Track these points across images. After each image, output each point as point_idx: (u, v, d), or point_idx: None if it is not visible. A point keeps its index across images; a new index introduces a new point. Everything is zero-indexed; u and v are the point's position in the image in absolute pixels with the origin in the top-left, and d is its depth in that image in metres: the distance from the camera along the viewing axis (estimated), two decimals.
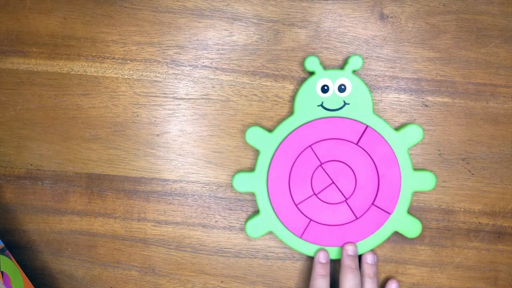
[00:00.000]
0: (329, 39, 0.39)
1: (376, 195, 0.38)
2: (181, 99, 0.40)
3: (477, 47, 0.39)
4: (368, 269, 0.37)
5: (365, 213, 0.38)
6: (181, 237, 0.40)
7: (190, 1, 0.39)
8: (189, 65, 0.39)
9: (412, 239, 0.40)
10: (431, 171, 0.39)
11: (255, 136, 0.38)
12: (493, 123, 0.39)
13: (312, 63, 0.37)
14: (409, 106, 0.39)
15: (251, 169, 0.39)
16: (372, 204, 0.38)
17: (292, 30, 0.39)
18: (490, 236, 0.40)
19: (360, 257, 0.38)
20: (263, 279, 0.40)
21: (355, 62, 0.37)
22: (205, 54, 0.39)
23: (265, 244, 0.40)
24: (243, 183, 0.38)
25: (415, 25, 0.39)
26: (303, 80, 0.39)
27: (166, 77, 0.39)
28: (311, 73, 0.38)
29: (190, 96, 0.40)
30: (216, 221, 0.40)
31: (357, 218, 0.38)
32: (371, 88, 0.39)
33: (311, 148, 0.38)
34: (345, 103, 0.37)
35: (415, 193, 0.40)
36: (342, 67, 0.39)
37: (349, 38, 0.39)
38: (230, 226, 0.40)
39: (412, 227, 0.38)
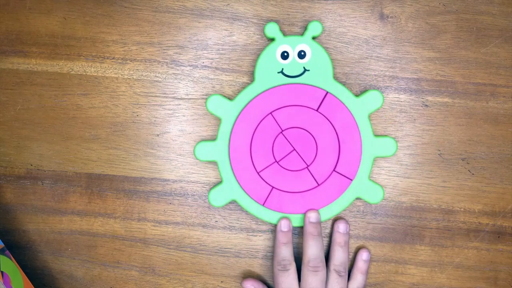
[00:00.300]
0: (329, 39, 0.39)
1: (337, 161, 0.38)
2: (181, 99, 0.40)
3: (477, 47, 0.39)
4: (339, 237, 0.38)
5: (326, 179, 0.38)
6: (181, 237, 0.40)
7: (190, 1, 0.39)
8: (189, 65, 0.39)
9: (412, 238, 0.40)
10: (392, 137, 0.39)
11: (216, 104, 0.38)
12: (493, 123, 0.39)
13: (271, 29, 0.37)
14: (409, 106, 0.39)
15: (214, 138, 0.39)
16: (334, 170, 0.38)
17: (292, 30, 0.39)
18: (490, 236, 0.40)
19: (332, 226, 0.39)
20: (263, 279, 0.40)
21: (314, 28, 0.37)
22: (205, 54, 0.39)
23: (265, 244, 0.40)
24: (205, 152, 0.38)
25: (415, 25, 0.39)
26: None
27: (166, 77, 0.39)
28: (271, 39, 0.38)
29: (190, 96, 0.40)
30: (216, 221, 0.40)
31: (319, 185, 0.38)
32: (371, 88, 0.39)
33: (272, 115, 0.38)
34: (305, 70, 0.37)
35: (415, 194, 0.40)
36: (302, 33, 0.39)
37: (349, 38, 0.39)
38: (230, 226, 0.40)
39: (374, 193, 0.38)
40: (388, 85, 0.39)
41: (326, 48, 0.39)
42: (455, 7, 0.39)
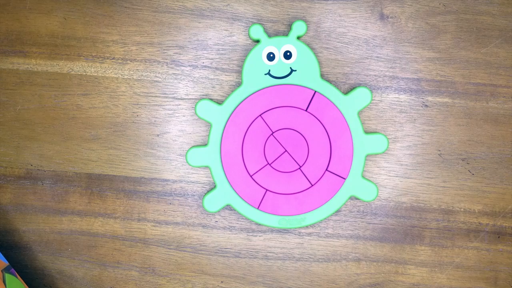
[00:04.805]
0: (329, 39, 0.39)
1: (329, 160, 0.38)
2: (181, 99, 0.40)
3: (477, 47, 0.39)
4: None
5: (320, 179, 0.38)
6: (181, 237, 0.40)
7: (190, 1, 0.39)
8: (189, 65, 0.39)
9: (412, 239, 0.40)
10: (383, 133, 0.39)
11: (205, 109, 0.38)
12: (493, 123, 0.39)
13: (256, 31, 0.37)
14: (409, 106, 0.39)
15: (205, 144, 0.39)
16: (326, 170, 0.38)
17: None
18: (490, 236, 0.40)
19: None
20: (263, 279, 0.40)
21: (298, 28, 0.37)
22: (205, 54, 0.39)
23: (265, 244, 0.40)
24: (197, 157, 0.38)
25: (415, 25, 0.39)
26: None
27: (166, 77, 0.40)
28: (256, 41, 0.38)
29: (190, 96, 0.40)
30: (216, 221, 0.40)
31: (312, 185, 0.38)
32: (372, 89, 0.39)
33: (261, 117, 0.38)
34: (292, 70, 0.37)
35: (415, 194, 0.40)
36: (286, 34, 0.39)
37: (349, 38, 0.39)
38: (230, 226, 0.40)
39: (368, 191, 0.38)
40: (388, 85, 0.39)
41: (326, 48, 0.39)
42: (455, 7, 0.39)
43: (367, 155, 0.39)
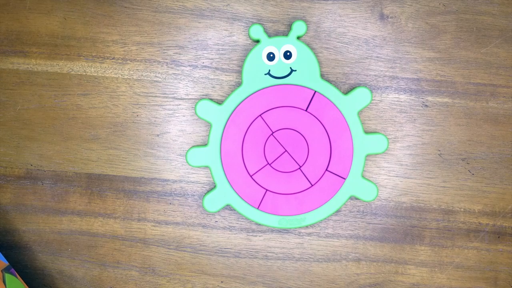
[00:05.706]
0: (329, 39, 0.39)
1: (329, 160, 0.38)
2: (181, 99, 0.40)
3: (477, 47, 0.39)
4: None
5: (320, 179, 0.38)
6: (181, 237, 0.40)
7: (190, 1, 0.39)
8: (189, 65, 0.39)
9: (412, 239, 0.40)
10: (383, 133, 0.39)
11: (205, 109, 0.38)
12: (493, 123, 0.39)
13: (256, 31, 0.37)
14: (409, 106, 0.39)
15: (205, 144, 0.39)
16: (326, 170, 0.38)
17: None
18: (490, 236, 0.40)
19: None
20: (263, 279, 0.40)
21: (298, 28, 0.37)
22: (205, 54, 0.39)
23: (265, 244, 0.40)
24: (197, 157, 0.38)
25: (415, 25, 0.39)
26: None
27: (166, 77, 0.40)
28: (256, 41, 0.38)
29: (190, 96, 0.40)
30: (216, 221, 0.40)
31: (312, 185, 0.38)
32: (372, 89, 0.39)
33: (261, 117, 0.38)
34: (292, 70, 0.37)
35: (415, 194, 0.40)
36: (286, 34, 0.39)
37: (349, 38, 0.39)
38: (230, 226, 0.40)
39: (368, 191, 0.38)
40: (388, 85, 0.39)
41: (326, 48, 0.39)
42: (455, 7, 0.39)
43: (367, 155, 0.39)
